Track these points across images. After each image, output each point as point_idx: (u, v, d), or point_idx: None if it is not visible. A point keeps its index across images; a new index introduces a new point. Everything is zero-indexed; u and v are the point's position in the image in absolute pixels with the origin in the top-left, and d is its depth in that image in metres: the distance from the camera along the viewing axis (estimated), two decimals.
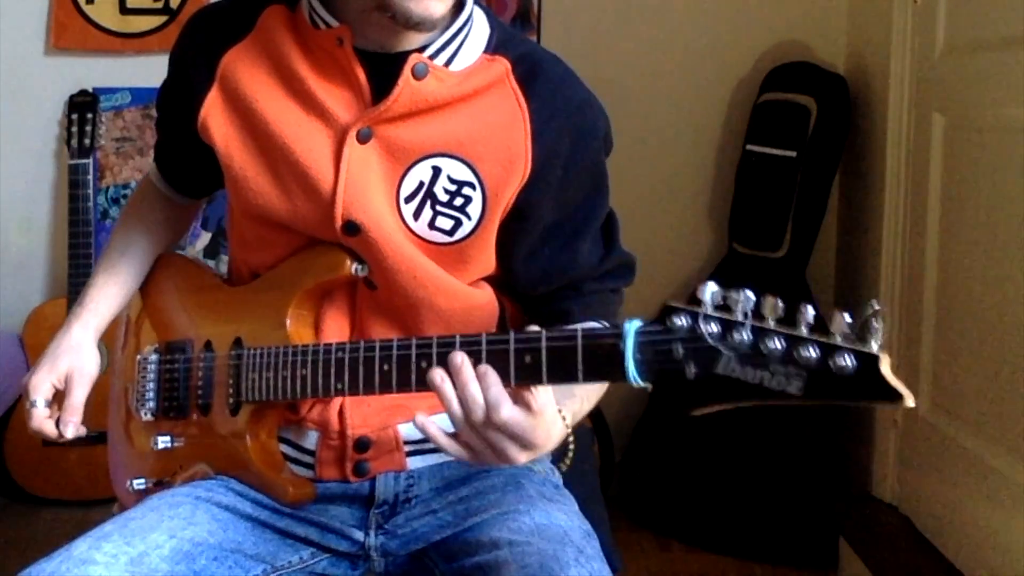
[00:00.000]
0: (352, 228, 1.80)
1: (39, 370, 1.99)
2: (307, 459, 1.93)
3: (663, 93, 4.27)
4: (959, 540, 3.24)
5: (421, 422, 1.58)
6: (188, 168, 2.09)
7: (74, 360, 2.01)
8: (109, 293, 2.11)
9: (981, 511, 3.11)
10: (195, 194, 2.21)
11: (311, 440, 1.92)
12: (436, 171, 1.80)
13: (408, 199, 1.81)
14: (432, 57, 1.79)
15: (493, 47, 1.84)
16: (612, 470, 4.15)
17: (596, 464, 3.91)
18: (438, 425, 1.58)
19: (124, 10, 4.32)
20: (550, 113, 1.81)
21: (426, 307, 1.83)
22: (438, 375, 1.56)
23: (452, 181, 1.80)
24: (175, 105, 2.01)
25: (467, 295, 1.87)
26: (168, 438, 2.00)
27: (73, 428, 1.96)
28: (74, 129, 4.21)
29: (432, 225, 1.82)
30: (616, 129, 1.92)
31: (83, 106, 4.25)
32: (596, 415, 4.06)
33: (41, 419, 1.96)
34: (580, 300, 1.92)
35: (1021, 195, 2.89)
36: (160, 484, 2.00)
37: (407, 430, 1.90)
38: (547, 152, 1.80)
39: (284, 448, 1.95)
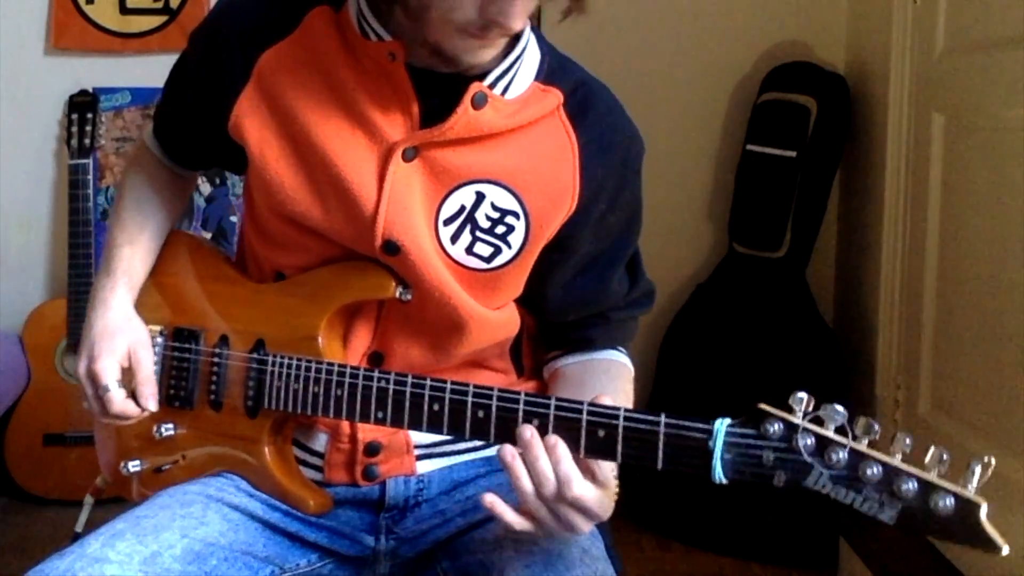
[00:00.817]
0: (392, 248, 1.78)
1: (100, 356, 1.93)
2: (315, 461, 1.93)
3: (663, 92, 4.29)
4: None
5: (490, 501, 1.59)
6: (192, 143, 2.05)
7: (130, 335, 1.97)
8: (136, 263, 2.06)
9: None
10: (193, 167, 2.17)
11: (320, 442, 1.92)
12: (480, 197, 1.78)
13: (447, 222, 1.79)
14: (491, 86, 1.76)
15: (545, 74, 1.82)
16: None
17: None
18: (504, 503, 1.60)
19: (124, 10, 4.35)
20: (598, 149, 1.81)
21: (454, 327, 1.82)
22: (509, 454, 1.58)
23: (495, 208, 1.78)
24: (194, 86, 1.95)
25: (495, 316, 1.87)
26: (171, 426, 1.98)
27: (154, 400, 1.93)
28: (74, 129, 4.23)
29: (470, 250, 1.81)
30: None
31: (83, 106, 4.27)
32: None
33: (122, 402, 1.91)
34: (606, 328, 1.95)
35: (1020, 194, 2.92)
36: (159, 471, 1.99)
37: (417, 434, 1.89)
38: (594, 187, 1.80)
39: (294, 450, 1.96)
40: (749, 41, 4.28)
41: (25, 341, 4.20)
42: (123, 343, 1.95)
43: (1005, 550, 1.28)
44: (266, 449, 1.88)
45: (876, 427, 1.34)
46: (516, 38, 1.78)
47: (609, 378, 1.92)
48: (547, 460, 1.56)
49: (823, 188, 4.01)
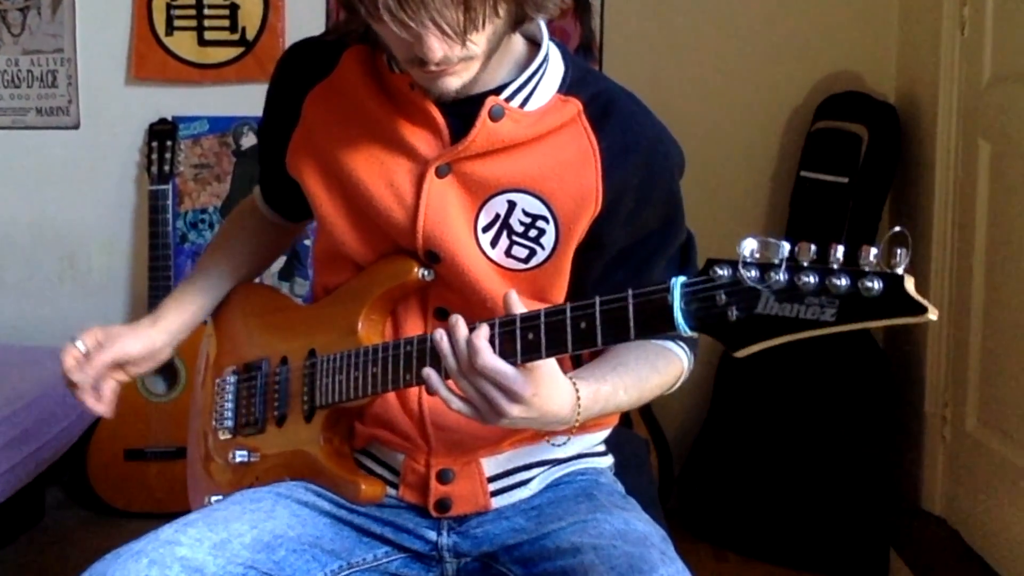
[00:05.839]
0: (433, 257, 1.91)
1: (95, 327, 2.10)
2: (392, 478, 2.03)
3: (720, 121, 4.38)
4: (1005, 552, 3.30)
5: (427, 372, 1.70)
6: (288, 194, 2.14)
7: (124, 332, 2.11)
8: (184, 308, 2.19)
9: None
10: (295, 218, 2.28)
11: (396, 461, 2.02)
12: (511, 205, 1.88)
13: (485, 229, 1.90)
14: (508, 99, 1.86)
15: (567, 87, 1.90)
16: (671, 484, 4.22)
17: (655, 478, 3.98)
18: (440, 379, 1.70)
19: (202, 42, 4.47)
20: (621, 150, 1.87)
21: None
22: (439, 334, 1.68)
23: (527, 214, 1.88)
24: (270, 136, 2.11)
25: None
26: (245, 452, 2.11)
27: (76, 367, 2.05)
28: (154, 156, 4.34)
29: (508, 253, 1.90)
30: None
31: (163, 134, 4.38)
32: (655, 431, 4.17)
33: (69, 351, 2.05)
34: None
35: None
36: None
37: (490, 465, 1.99)
38: (618, 187, 1.87)
39: (370, 464, 2.06)
40: (803, 72, 4.34)
41: None
42: (115, 331, 2.10)
43: (932, 315, 1.32)
44: (320, 443, 1.99)
45: (814, 248, 1.39)
46: (533, 55, 1.90)
47: (636, 355, 1.89)
48: (464, 336, 1.65)
49: (874, 213, 4.05)
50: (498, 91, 1.87)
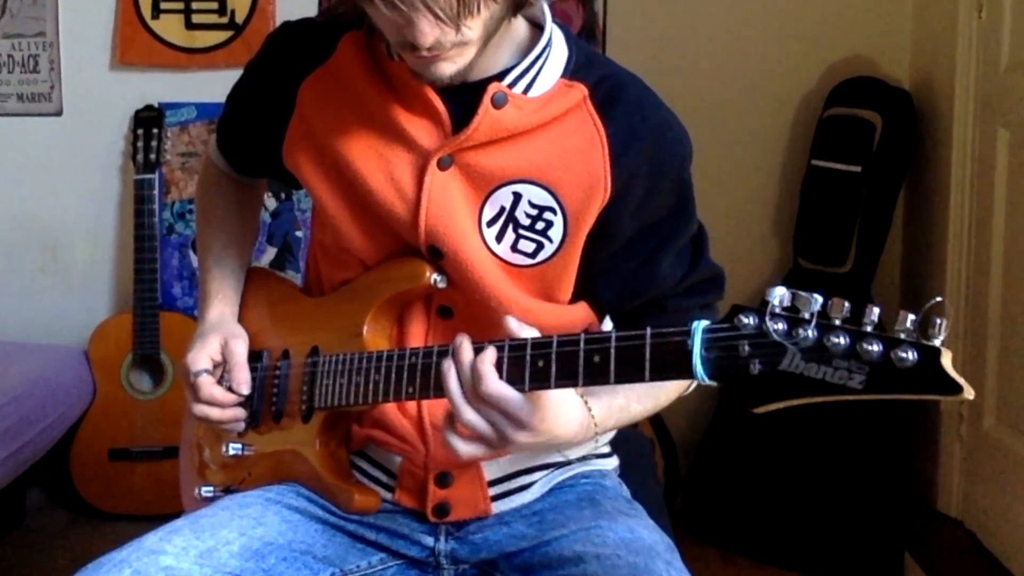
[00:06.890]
0: (435, 252, 1.88)
1: (191, 350, 2.04)
2: (387, 480, 2.02)
3: (728, 108, 4.35)
4: None
5: (445, 430, 1.70)
6: (253, 158, 2.15)
7: (223, 331, 2.08)
8: (227, 283, 2.18)
9: None
10: (258, 175, 2.27)
11: (394, 463, 2.00)
12: (517, 197, 1.85)
13: (490, 223, 1.87)
14: (511, 85, 1.83)
15: (571, 71, 1.87)
16: (677, 485, 4.22)
17: (661, 479, 3.95)
18: (449, 426, 1.69)
19: (190, 25, 4.44)
20: (628, 137, 1.84)
21: (499, 325, 1.78)
22: (446, 364, 1.68)
23: (533, 206, 1.85)
24: (250, 114, 2.09)
25: (549, 316, 1.89)
26: (239, 445, 2.08)
27: (246, 385, 2.02)
28: (140, 144, 4.30)
29: (515, 248, 1.88)
30: None
31: (149, 121, 4.34)
32: (661, 430, 4.16)
33: (210, 385, 2.00)
34: (662, 317, 1.93)
35: None
36: (228, 491, 2.09)
37: (491, 469, 1.98)
38: (627, 174, 1.83)
39: (365, 466, 2.04)
40: (814, 56, 4.32)
41: (91, 356, 4.30)
42: (215, 339, 2.06)
43: (969, 394, 1.29)
44: (316, 447, 1.98)
45: (848, 305, 1.38)
46: (536, 39, 1.87)
47: None
48: (469, 361, 1.65)
49: (888, 203, 4.05)
50: (500, 77, 1.84)
